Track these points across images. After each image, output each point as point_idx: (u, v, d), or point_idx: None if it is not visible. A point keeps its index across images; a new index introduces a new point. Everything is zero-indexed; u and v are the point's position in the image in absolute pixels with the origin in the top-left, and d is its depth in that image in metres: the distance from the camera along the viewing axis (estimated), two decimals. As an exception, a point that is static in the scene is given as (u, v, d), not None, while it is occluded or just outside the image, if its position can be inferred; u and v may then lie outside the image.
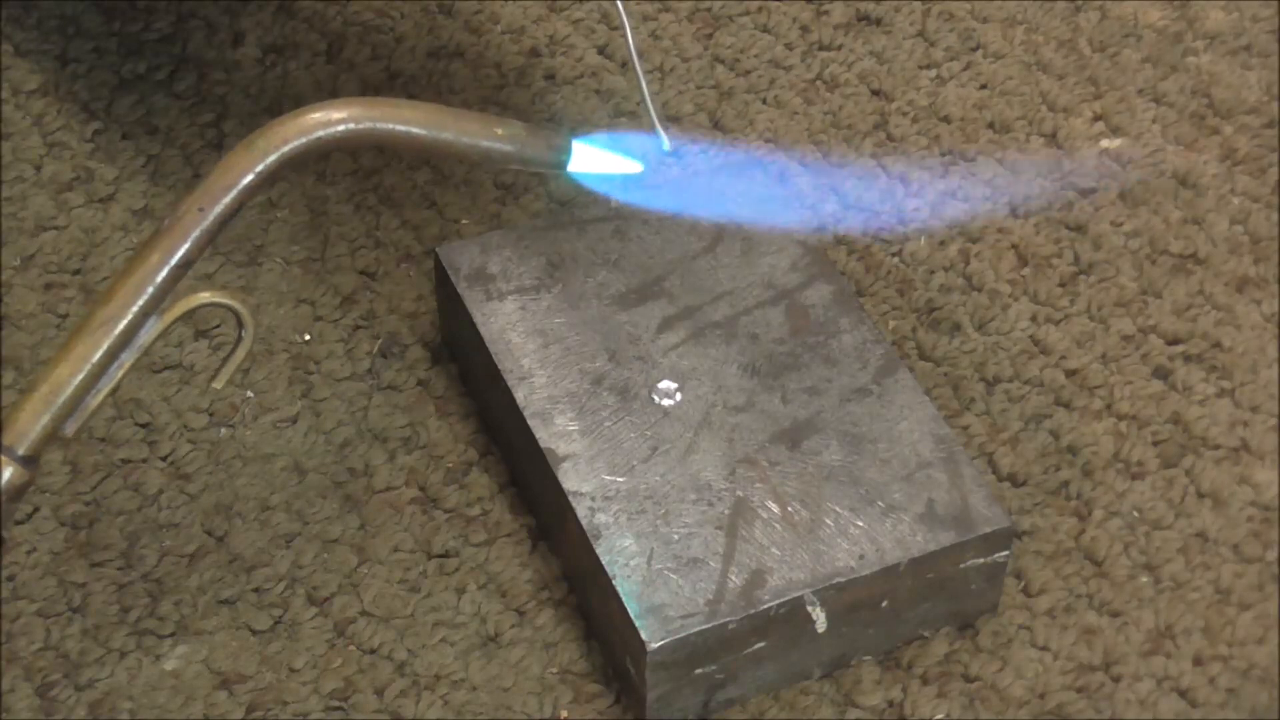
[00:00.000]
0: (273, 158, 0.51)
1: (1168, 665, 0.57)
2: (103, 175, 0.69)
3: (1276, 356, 0.65)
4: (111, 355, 0.50)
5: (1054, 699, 0.56)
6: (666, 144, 0.60)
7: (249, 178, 0.51)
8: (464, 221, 0.68)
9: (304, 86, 0.72)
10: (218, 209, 0.51)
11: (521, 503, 0.60)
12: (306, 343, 0.64)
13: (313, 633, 0.57)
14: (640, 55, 0.62)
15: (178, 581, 0.58)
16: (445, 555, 0.59)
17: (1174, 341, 0.65)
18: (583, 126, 0.70)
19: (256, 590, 0.58)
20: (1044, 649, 0.57)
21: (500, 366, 0.59)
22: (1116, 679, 0.57)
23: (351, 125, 0.52)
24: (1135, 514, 0.61)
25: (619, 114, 0.72)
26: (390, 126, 0.53)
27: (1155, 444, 0.62)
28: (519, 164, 0.57)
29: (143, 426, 0.62)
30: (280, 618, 0.57)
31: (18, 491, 0.49)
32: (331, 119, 0.52)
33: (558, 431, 0.57)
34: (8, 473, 0.49)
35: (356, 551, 0.59)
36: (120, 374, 0.50)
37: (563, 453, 0.57)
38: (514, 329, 0.60)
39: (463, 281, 0.61)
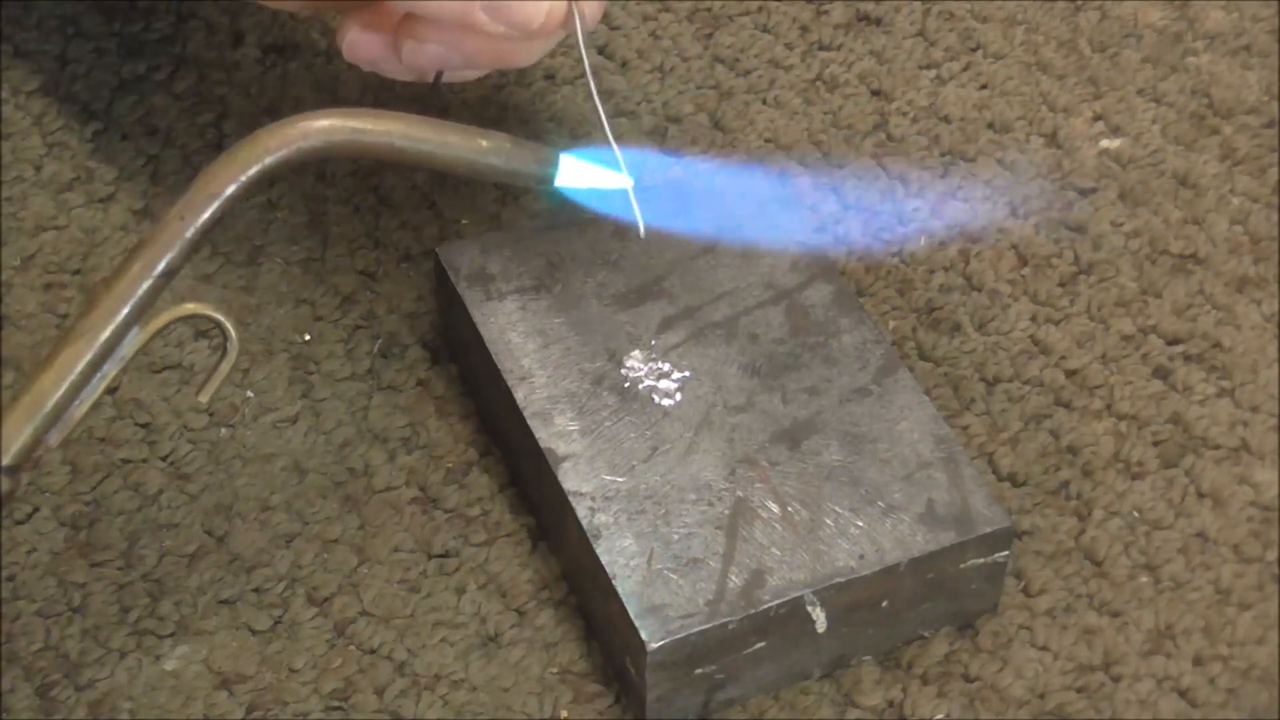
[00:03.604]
0: (254, 169, 0.52)
1: (1168, 665, 0.57)
2: (103, 175, 0.69)
3: (1276, 356, 0.65)
4: (94, 366, 0.50)
5: (1054, 699, 0.56)
6: (641, 229, 0.60)
7: (231, 188, 0.51)
8: (464, 221, 0.68)
9: (304, 87, 0.72)
10: (200, 219, 0.51)
11: (521, 503, 0.60)
12: (306, 343, 0.64)
13: (313, 633, 0.57)
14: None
15: (178, 581, 0.58)
16: (445, 555, 0.59)
17: (1174, 341, 0.65)
18: (573, 140, 0.70)
19: (256, 590, 0.58)
20: (1044, 649, 0.57)
21: (500, 366, 0.59)
22: (1116, 679, 0.57)
23: (333, 137, 0.53)
24: (1135, 514, 0.61)
25: (618, 114, 0.72)
26: (372, 139, 0.54)
27: (1155, 444, 0.62)
28: (505, 178, 0.57)
29: (143, 426, 0.62)
30: (280, 618, 0.57)
31: (2, 501, 0.49)
32: (313, 130, 0.52)
33: (558, 431, 0.57)
34: None
35: (356, 551, 0.59)
36: (103, 385, 0.50)
37: (563, 453, 0.57)
38: (514, 329, 0.60)
39: (463, 281, 0.61)
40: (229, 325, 0.52)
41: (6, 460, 0.49)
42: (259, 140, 0.52)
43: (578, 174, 0.58)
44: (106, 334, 0.50)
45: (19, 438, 0.50)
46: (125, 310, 0.50)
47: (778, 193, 0.67)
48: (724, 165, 0.70)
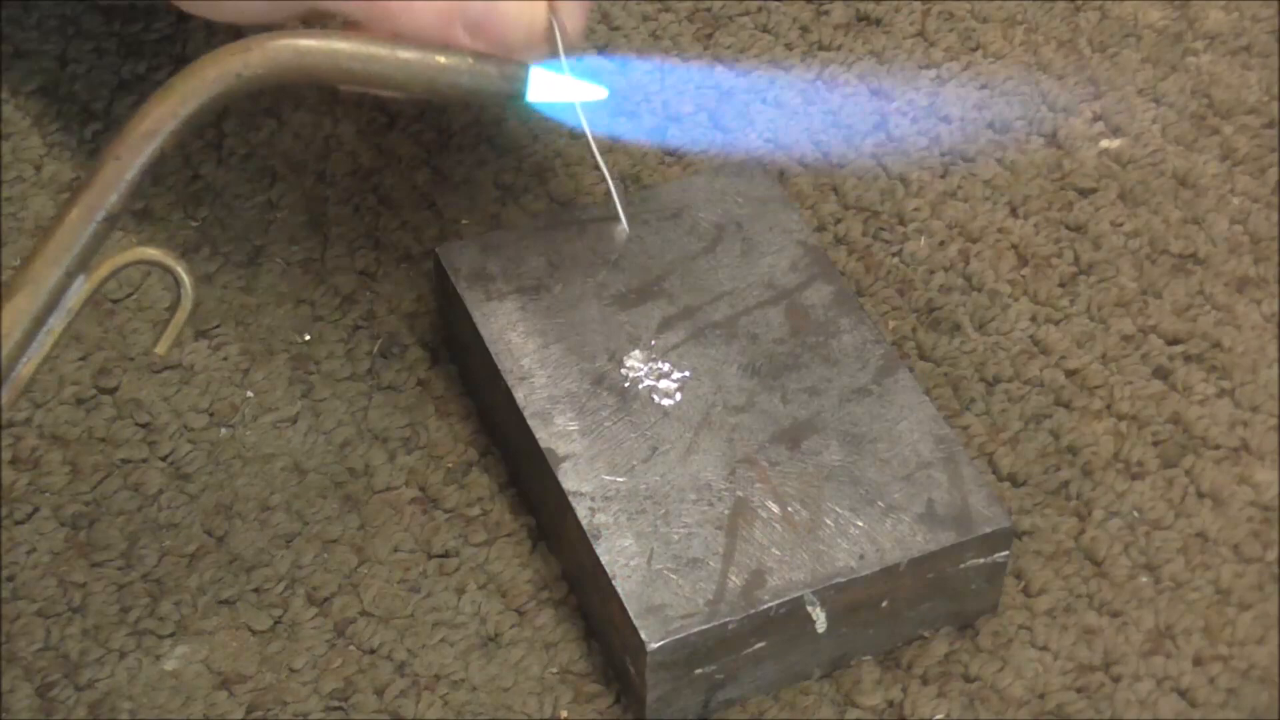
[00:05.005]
0: (193, 104, 0.49)
1: (1168, 665, 0.57)
2: (103, 175, 0.69)
3: (1276, 356, 0.65)
4: (38, 321, 0.48)
5: (1054, 699, 0.56)
6: (625, 228, 0.61)
7: (171, 124, 0.48)
8: (464, 221, 0.68)
9: (303, 87, 0.72)
10: (138, 160, 0.48)
11: (521, 503, 0.60)
12: (306, 343, 0.64)
13: (313, 633, 0.57)
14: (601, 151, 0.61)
15: (178, 581, 0.58)
16: (445, 555, 0.59)
17: (1174, 341, 0.65)
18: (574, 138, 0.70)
19: (256, 590, 0.58)
20: (1044, 649, 0.57)
21: (500, 366, 0.59)
22: (1116, 679, 0.57)
23: (278, 61, 0.50)
24: (1135, 514, 0.61)
25: (619, 114, 0.72)
26: (320, 60, 0.50)
27: (1155, 444, 0.62)
28: (470, 97, 0.54)
29: (143, 426, 0.62)
30: (280, 618, 0.57)
31: None
32: (254, 57, 0.49)
33: (558, 431, 0.57)
34: None
35: (356, 551, 0.59)
36: (50, 341, 0.48)
37: (563, 453, 0.57)
38: (514, 329, 0.60)
39: (462, 281, 0.61)
40: (182, 271, 0.49)
41: None
42: (196, 71, 0.49)
43: (550, 88, 0.55)
44: (49, 285, 0.48)
45: None
46: (67, 259, 0.48)
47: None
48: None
